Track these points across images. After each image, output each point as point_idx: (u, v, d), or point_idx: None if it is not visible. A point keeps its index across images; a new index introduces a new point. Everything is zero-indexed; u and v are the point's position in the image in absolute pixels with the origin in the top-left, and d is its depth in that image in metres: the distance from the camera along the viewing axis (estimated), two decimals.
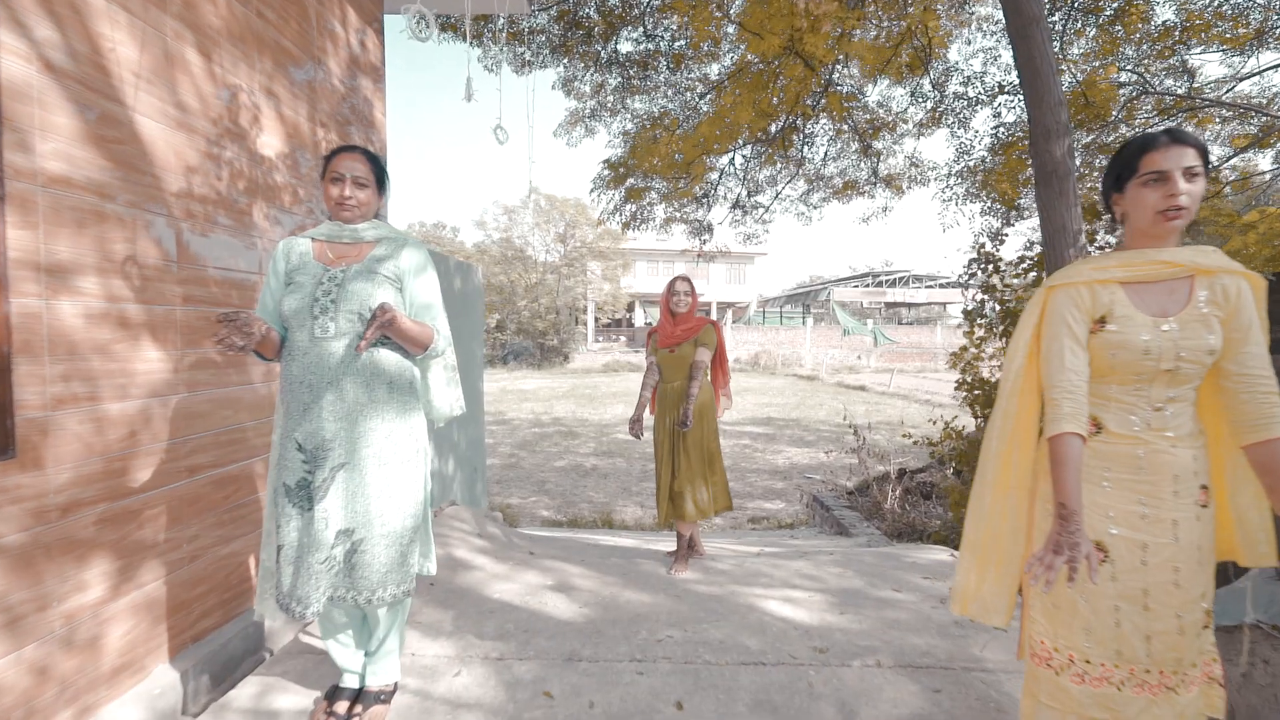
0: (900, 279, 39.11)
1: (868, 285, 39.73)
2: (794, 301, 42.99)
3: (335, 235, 1.74)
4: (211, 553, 2.24)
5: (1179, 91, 5.74)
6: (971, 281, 4.41)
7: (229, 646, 2.25)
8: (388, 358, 1.68)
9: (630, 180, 6.96)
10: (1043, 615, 1.39)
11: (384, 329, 1.56)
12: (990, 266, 4.29)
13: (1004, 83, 5.58)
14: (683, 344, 3.15)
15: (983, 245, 4.32)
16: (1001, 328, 4.25)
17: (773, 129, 6.54)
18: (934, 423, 4.91)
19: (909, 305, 42.63)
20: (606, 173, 7.07)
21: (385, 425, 1.64)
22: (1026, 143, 5.55)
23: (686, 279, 3.28)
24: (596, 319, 36.44)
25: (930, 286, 38.85)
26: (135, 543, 1.91)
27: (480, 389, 5.72)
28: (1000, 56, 6.05)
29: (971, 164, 5.92)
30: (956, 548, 4.05)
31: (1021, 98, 5.70)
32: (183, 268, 2.11)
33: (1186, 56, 5.67)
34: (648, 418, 3.41)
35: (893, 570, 3.11)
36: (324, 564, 1.58)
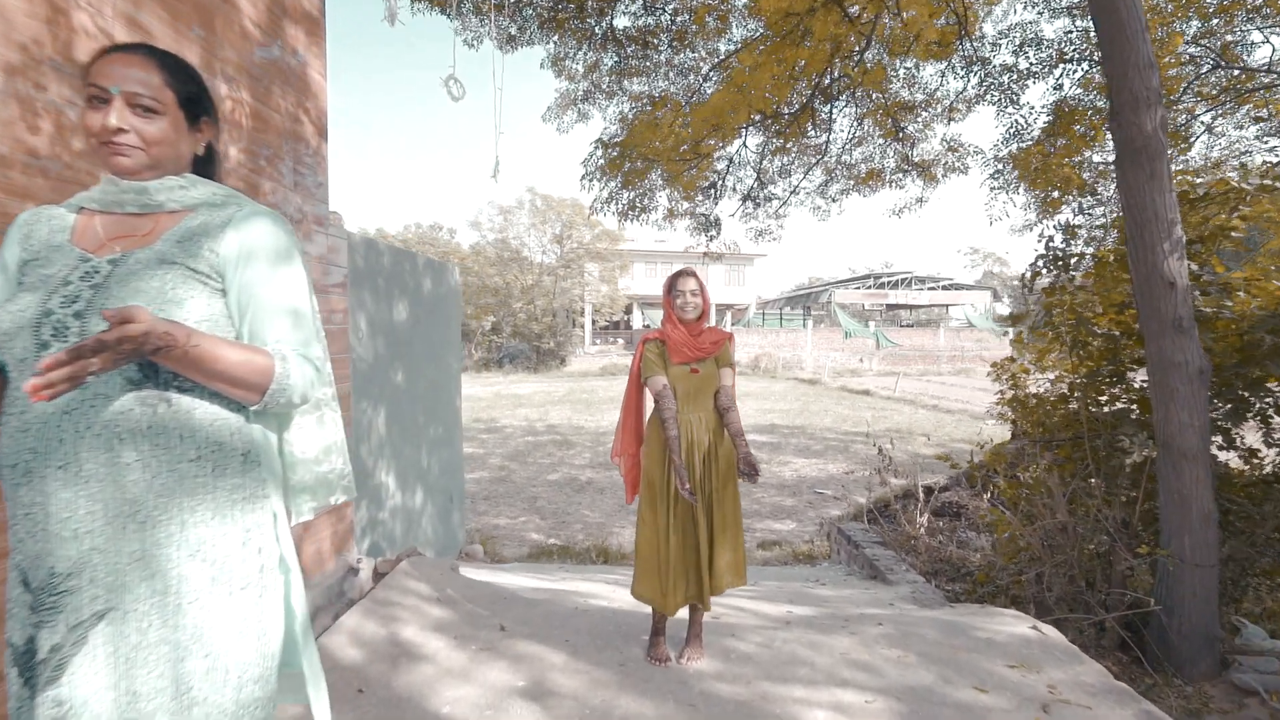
0: (902, 280, 38.45)
1: (869, 287, 39.09)
2: (794, 303, 42.32)
3: (114, 201, 0.99)
4: None
5: (1239, 68, 5.07)
6: (1037, 283, 3.70)
7: None
8: (195, 411, 0.93)
9: (627, 165, 6.22)
10: None
11: (129, 356, 0.78)
12: (1060, 265, 3.60)
13: (1064, 50, 4.89)
14: (705, 360, 2.35)
15: (1050, 240, 3.63)
16: (1070, 338, 3.56)
17: (787, 113, 5.84)
18: (981, 445, 4.23)
19: (911, 307, 41.96)
20: (599, 154, 6.31)
21: (194, 532, 0.90)
22: (1078, 122, 4.88)
23: (693, 274, 2.40)
24: (594, 321, 35.73)
25: (933, 288, 38.24)
26: None
27: (457, 406, 5.03)
28: (1041, 31, 5.39)
29: (1027, 145, 5.20)
30: (1014, 604, 3.34)
31: (1087, 66, 5.00)
32: None
33: (1257, 29, 5.00)
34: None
35: (965, 654, 2.42)
36: None
